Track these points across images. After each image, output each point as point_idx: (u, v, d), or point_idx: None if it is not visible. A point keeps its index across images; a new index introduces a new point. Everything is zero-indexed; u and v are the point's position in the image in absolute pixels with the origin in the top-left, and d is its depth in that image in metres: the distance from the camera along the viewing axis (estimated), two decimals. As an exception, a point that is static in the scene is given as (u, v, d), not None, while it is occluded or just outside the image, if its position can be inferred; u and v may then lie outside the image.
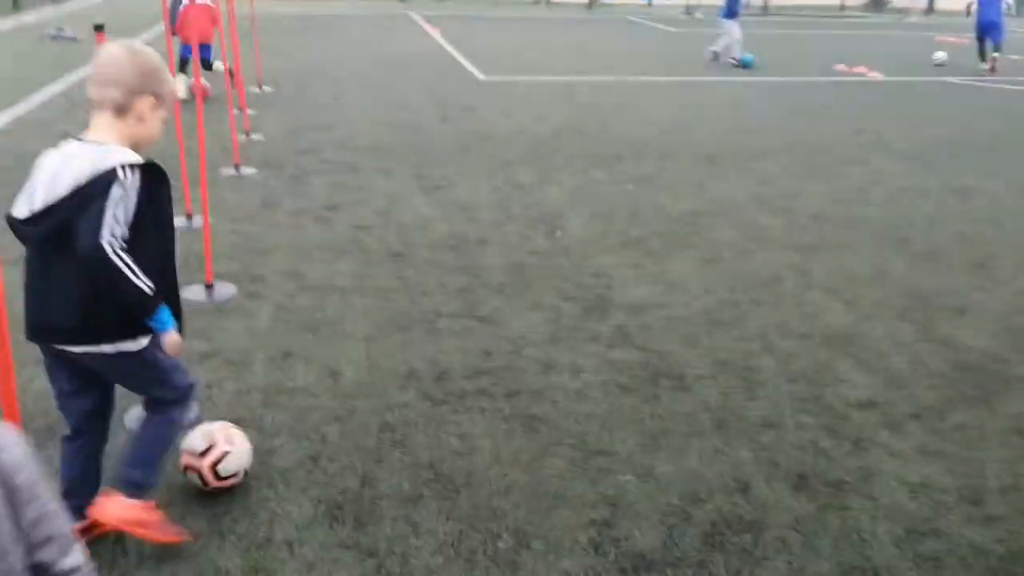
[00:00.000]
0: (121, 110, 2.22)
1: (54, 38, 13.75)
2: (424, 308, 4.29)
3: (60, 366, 2.36)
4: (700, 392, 3.54)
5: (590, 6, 26.04)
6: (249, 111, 8.53)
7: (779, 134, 8.93)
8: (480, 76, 12.20)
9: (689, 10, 24.73)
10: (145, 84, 2.23)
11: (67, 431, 2.47)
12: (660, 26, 21.34)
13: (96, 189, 2.11)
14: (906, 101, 11.36)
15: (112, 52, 2.26)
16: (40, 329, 2.29)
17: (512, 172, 7.02)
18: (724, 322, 4.29)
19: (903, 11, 26.52)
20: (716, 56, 14.15)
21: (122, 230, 2.13)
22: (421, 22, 19.97)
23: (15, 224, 2.22)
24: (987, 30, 14.40)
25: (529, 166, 7.22)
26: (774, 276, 4.91)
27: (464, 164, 7.27)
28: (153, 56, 2.30)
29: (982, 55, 14.49)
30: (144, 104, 2.24)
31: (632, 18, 23.32)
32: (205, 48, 9.40)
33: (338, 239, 5.27)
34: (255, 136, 7.88)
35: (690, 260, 5.13)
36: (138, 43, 2.34)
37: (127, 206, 2.14)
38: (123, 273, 2.12)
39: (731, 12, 13.92)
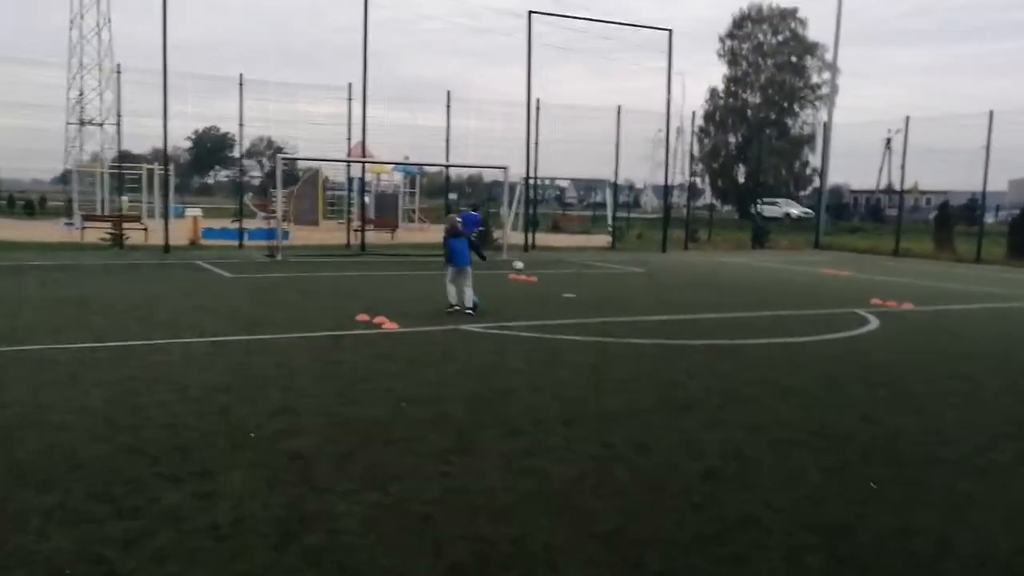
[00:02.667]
0: None
1: None
2: None
3: None
4: None
5: (167, 251, 23.66)
6: None
7: (130, 433, 6.61)
8: None
9: (272, 252, 23.13)
10: None
11: None
12: (220, 271, 19.29)
13: None
14: (398, 358, 9.70)
15: None
16: None
17: None
18: None
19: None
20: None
21: None
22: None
23: None
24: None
25: None
26: None
27: None
28: None
29: None
30: None
31: (202, 263, 21.17)
32: None
33: None
34: None
35: None
36: None
37: None
38: None
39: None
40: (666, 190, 35.30)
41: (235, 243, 26.99)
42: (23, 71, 29.89)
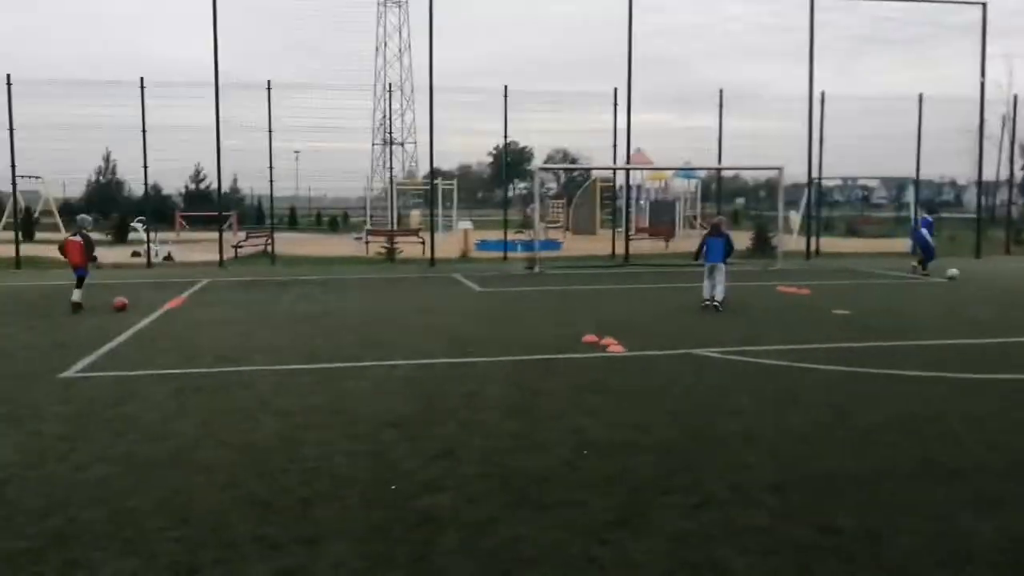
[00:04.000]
0: None
1: None
2: None
3: None
4: None
5: (432, 264, 23.98)
6: None
7: (264, 479, 5.91)
8: (68, 374, 9.39)
9: (531, 264, 22.65)
10: None
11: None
12: (471, 285, 19.00)
13: None
14: (608, 389, 8.45)
15: None
16: None
17: None
18: None
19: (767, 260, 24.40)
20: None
21: None
22: (186, 292, 17.62)
23: None
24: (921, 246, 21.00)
25: None
26: None
27: None
28: None
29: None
30: None
31: (459, 276, 21.08)
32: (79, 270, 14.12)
33: None
34: None
35: None
36: None
37: None
38: None
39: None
40: (979, 185, 30.74)
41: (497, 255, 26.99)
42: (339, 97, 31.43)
